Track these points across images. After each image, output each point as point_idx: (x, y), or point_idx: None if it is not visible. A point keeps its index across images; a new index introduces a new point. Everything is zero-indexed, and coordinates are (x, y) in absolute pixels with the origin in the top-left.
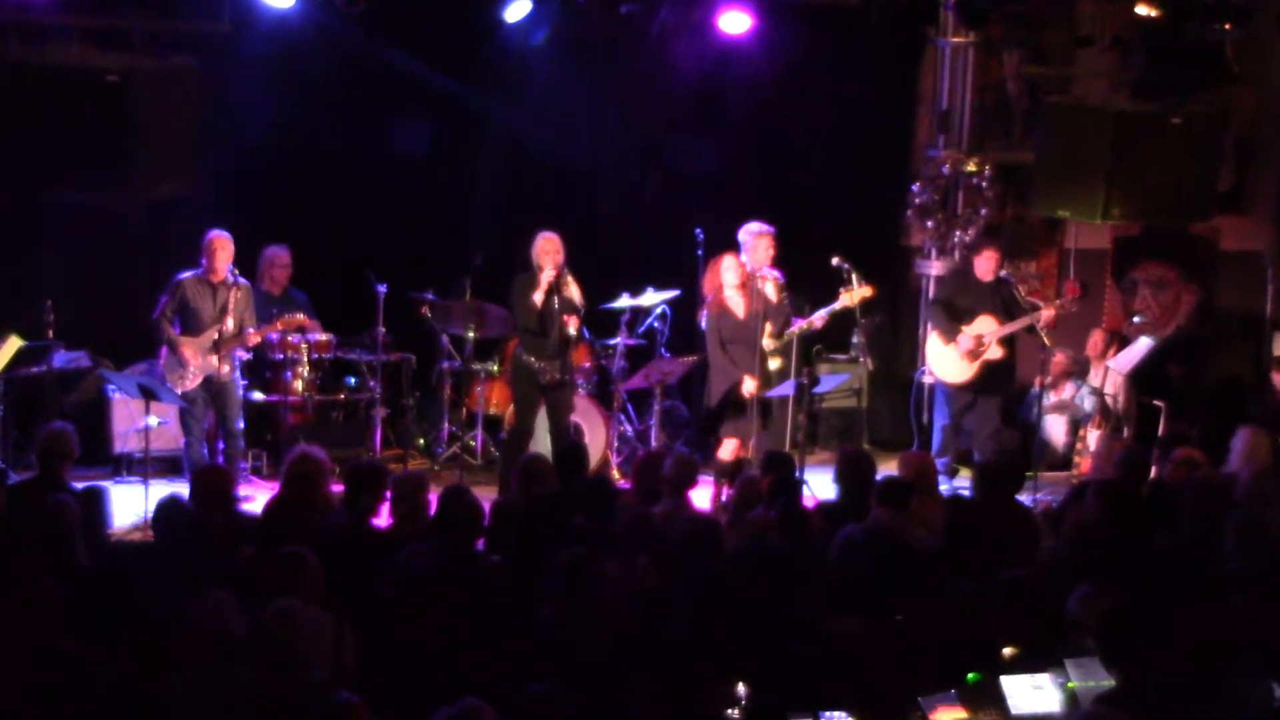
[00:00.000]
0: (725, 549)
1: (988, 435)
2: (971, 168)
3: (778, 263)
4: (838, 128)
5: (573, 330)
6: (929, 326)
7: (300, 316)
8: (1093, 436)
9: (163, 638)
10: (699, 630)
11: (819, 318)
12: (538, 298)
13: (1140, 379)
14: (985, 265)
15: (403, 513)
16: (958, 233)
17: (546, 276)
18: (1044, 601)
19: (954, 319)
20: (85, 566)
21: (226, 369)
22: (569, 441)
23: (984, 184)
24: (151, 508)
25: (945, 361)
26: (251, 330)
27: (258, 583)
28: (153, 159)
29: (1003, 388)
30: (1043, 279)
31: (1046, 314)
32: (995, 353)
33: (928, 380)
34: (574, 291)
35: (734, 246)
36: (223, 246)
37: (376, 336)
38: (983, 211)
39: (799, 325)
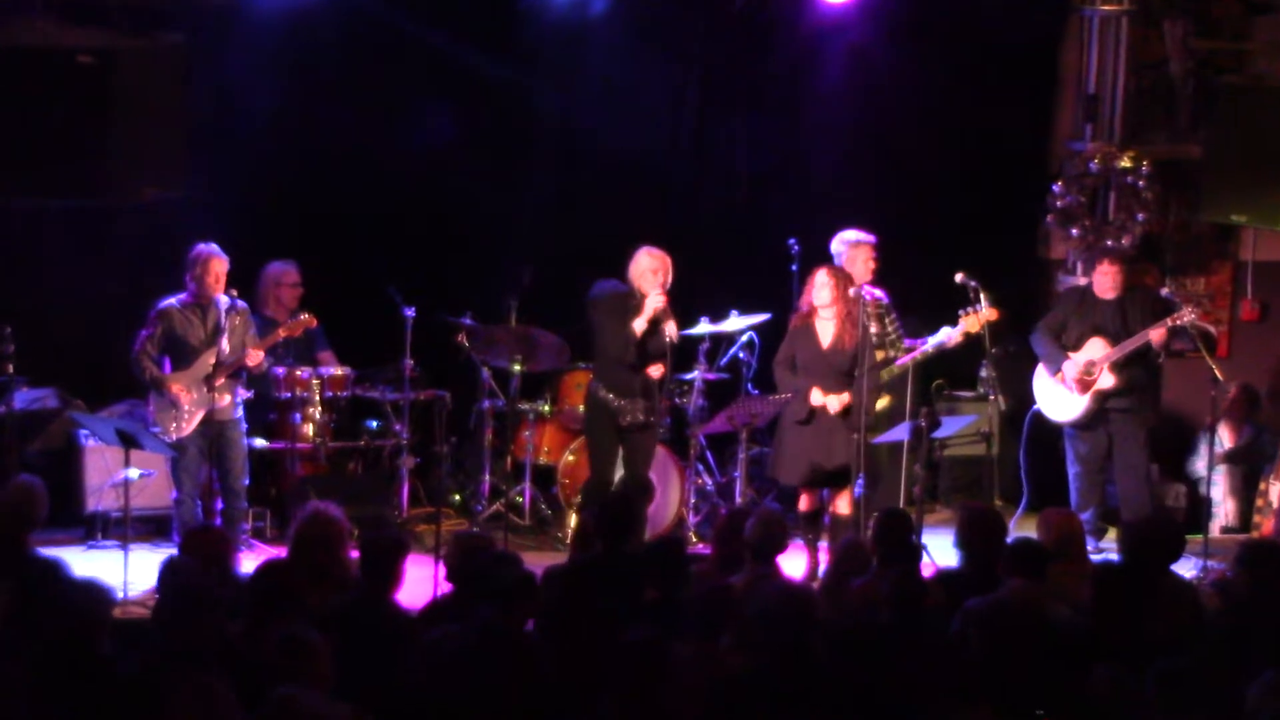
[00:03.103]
0: (821, 625)
1: (1137, 486)
2: (1126, 164)
3: (886, 278)
4: (960, 116)
5: (656, 375)
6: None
7: (307, 317)
8: (1275, 490)
9: None
10: None
11: (934, 345)
12: (639, 325)
13: None
14: (1103, 282)
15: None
16: (1109, 243)
17: (654, 304)
18: (1213, 691)
19: (1064, 346)
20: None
21: (227, 399)
22: (613, 494)
23: (1141, 183)
24: (131, 578)
25: (1051, 396)
26: (253, 348)
27: (251, 666)
28: (135, 156)
29: (1143, 424)
30: (1213, 298)
31: (1155, 334)
32: (1107, 381)
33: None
34: (671, 326)
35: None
36: (215, 266)
37: (403, 370)
38: (1140, 217)
39: (920, 350)
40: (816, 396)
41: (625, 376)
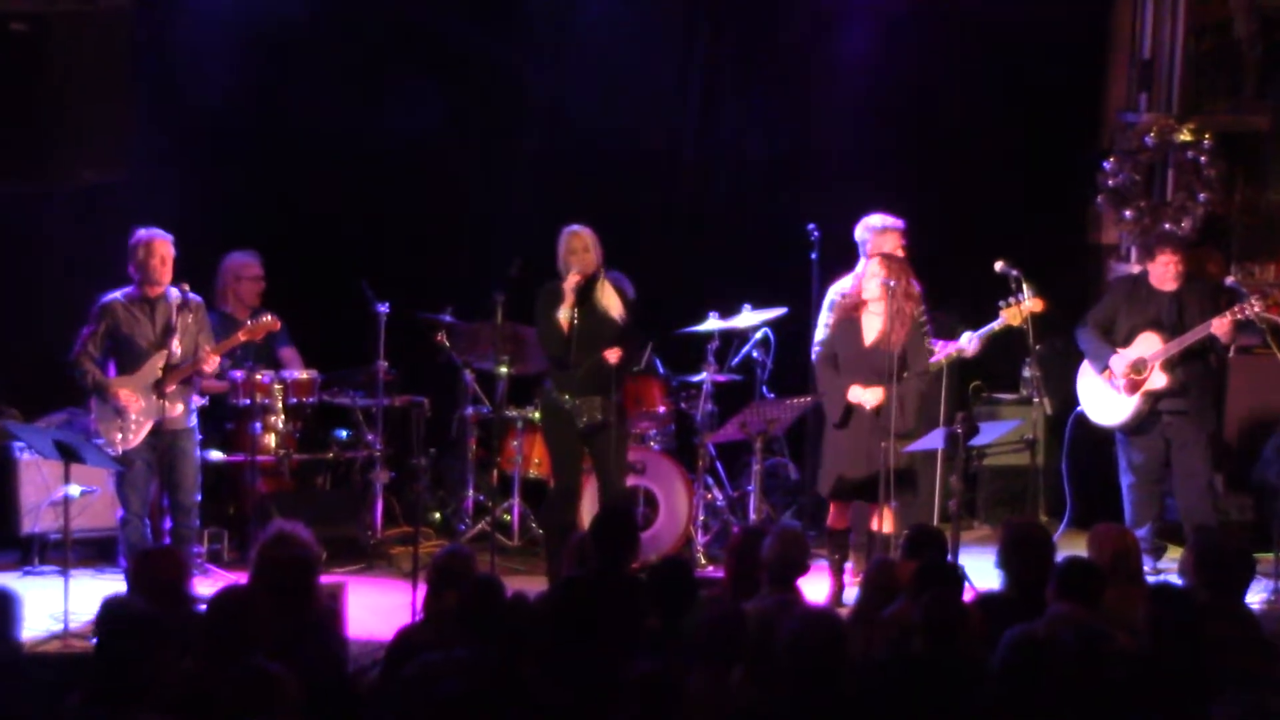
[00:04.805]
0: (850, 656)
1: (1199, 497)
2: (1185, 137)
3: (916, 267)
4: (1000, 86)
5: (613, 360)
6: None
7: (271, 318)
8: None
9: None
10: None
11: (972, 343)
12: (562, 315)
13: None
14: (1163, 273)
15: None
16: (1167, 226)
17: (569, 285)
18: None
19: (1113, 342)
20: None
21: (179, 408)
22: (608, 506)
23: (1202, 159)
24: (73, 607)
25: (1097, 397)
26: (208, 349)
27: (209, 705)
28: (72, 135)
29: (1204, 428)
30: None
31: (1218, 326)
32: (1159, 380)
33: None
34: (614, 305)
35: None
36: (159, 248)
37: (376, 373)
38: (1201, 197)
39: (945, 352)
40: (855, 393)
41: (571, 375)
